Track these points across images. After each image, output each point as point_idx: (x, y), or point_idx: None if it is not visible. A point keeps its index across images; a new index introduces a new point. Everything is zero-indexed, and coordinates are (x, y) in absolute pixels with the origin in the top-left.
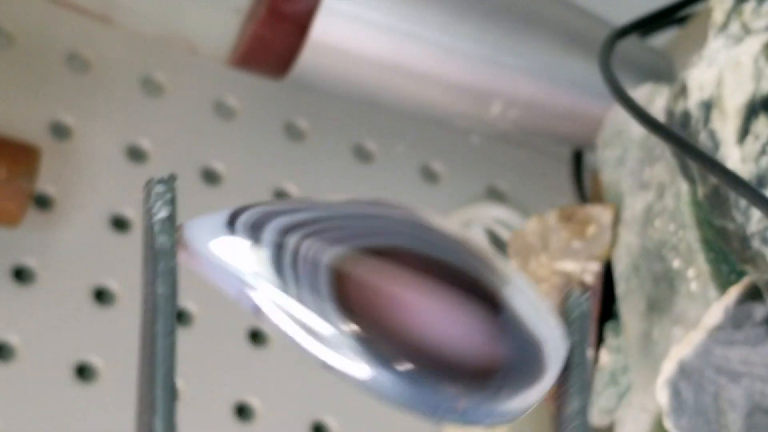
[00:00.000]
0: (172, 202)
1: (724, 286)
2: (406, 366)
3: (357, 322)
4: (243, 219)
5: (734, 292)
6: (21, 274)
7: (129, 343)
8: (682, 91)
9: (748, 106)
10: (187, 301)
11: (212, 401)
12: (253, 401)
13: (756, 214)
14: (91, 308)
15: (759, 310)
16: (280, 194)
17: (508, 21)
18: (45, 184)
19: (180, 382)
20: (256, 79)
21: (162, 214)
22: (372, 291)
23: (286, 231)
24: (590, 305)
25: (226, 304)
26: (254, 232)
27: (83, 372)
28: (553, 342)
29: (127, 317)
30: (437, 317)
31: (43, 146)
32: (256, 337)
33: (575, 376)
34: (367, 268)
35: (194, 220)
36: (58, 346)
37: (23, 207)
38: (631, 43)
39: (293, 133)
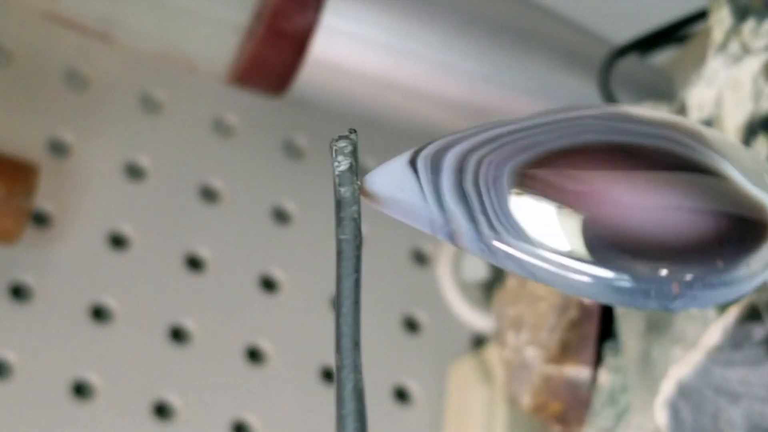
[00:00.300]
0: (352, 154)
1: (723, 306)
2: (610, 260)
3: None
4: (423, 154)
5: (733, 312)
6: (19, 292)
7: (127, 360)
8: (682, 110)
9: (747, 125)
10: (186, 319)
11: (210, 418)
12: (251, 418)
13: None
14: (88, 325)
15: (758, 331)
16: (279, 212)
17: (507, 40)
18: (43, 202)
19: (177, 400)
20: (254, 97)
21: (342, 167)
22: (559, 192)
23: (467, 154)
24: None
25: (225, 322)
26: (436, 163)
27: (80, 389)
28: None
29: (125, 334)
30: (635, 203)
31: (42, 164)
32: (254, 355)
33: None
34: (552, 171)
35: (377, 169)
36: (55, 364)
37: (21, 224)
38: (630, 61)
39: (292, 150)
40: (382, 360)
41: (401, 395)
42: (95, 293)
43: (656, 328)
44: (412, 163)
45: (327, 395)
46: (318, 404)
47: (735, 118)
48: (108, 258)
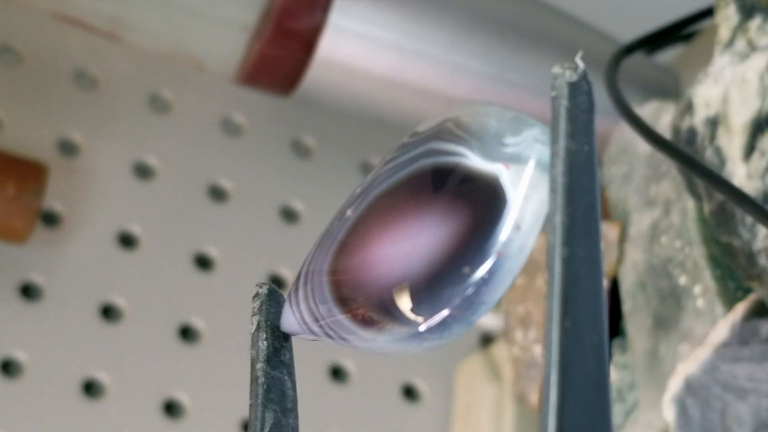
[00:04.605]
0: (260, 309)
1: (730, 302)
2: (402, 320)
3: (358, 308)
4: (292, 288)
5: (740, 308)
6: (28, 291)
7: (136, 359)
8: (688, 108)
9: (754, 122)
10: (195, 318)
11: (220, 417)
12: None
13: (762, 230)
14: (98, 324)
15: (765, 327)
16: (287, 211)
17: (514, 39)
18: (53, 201)
19: (186, 398)
20: (263, 97)
21: (252, 328)
22: (353, 272)
23: (308, 270)
24: (586, 97)
25: (234, 321)
26: (296, 293)
27: (90, 388)
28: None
29: (134, 333)
30: (400, 248)
31: (51, 163)
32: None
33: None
34: (346, 254)
35: (282, 316)
36: (65, 363)
37: (31, 224)
38: (637, 60)
39: (300, 150)
40: (391, 359)
41: (410, 393)
42: (105, 292)
43: (663, 325)
44: (289, 298)
45: (335, 393)
46: (326, 402)
47: (742, 115)
48: (117, 257)
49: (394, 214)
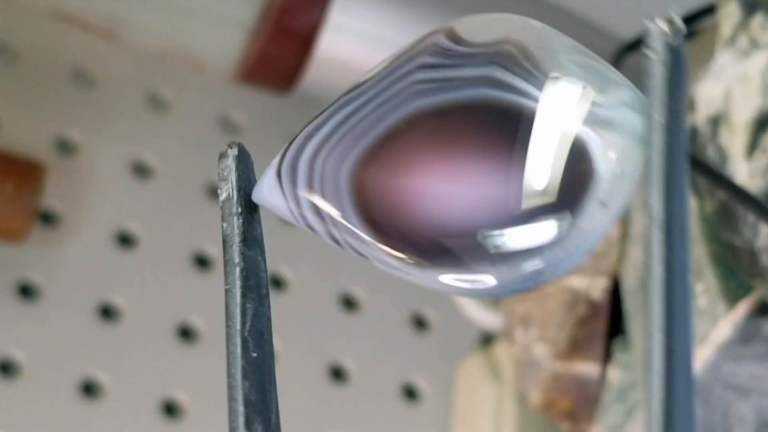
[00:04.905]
0: (231, 176)
1: (732, 301)
2: (428, 258)
3: (387, 237)
4: (285, 162)
5: (742, 307)
6: (27, 291)
7: (135, 359)
8: (690, 106)
9: (756, 120)
10: (194, 317)
11: (219, 417)
12: None
13: (764, 229)
14: (96, 324)
15: (767, 326)
16: None
17: None
18: (51, 201)
19: (185, 398)
20: (261, 95)
21: (223, 196)
22: (388, 195)
23: (314, 157)
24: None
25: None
26: (293, 173)
27: (89, 388)
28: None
29: (132, 333)
30: (460, 190)
31: (49, 162)
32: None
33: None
34: (378, 169)
35: (260, 179)
36: (63, 363)
37: (29, 223)
38: (638, 57)
39: None
40: (391, 358)
41: (410, 393)
42: (103, 292)
43: None
44: (279, 174)
45: (335, 393)
46: (326, 402)
47: (743, 113)
48: (115, 256)
49: (447, 145)
